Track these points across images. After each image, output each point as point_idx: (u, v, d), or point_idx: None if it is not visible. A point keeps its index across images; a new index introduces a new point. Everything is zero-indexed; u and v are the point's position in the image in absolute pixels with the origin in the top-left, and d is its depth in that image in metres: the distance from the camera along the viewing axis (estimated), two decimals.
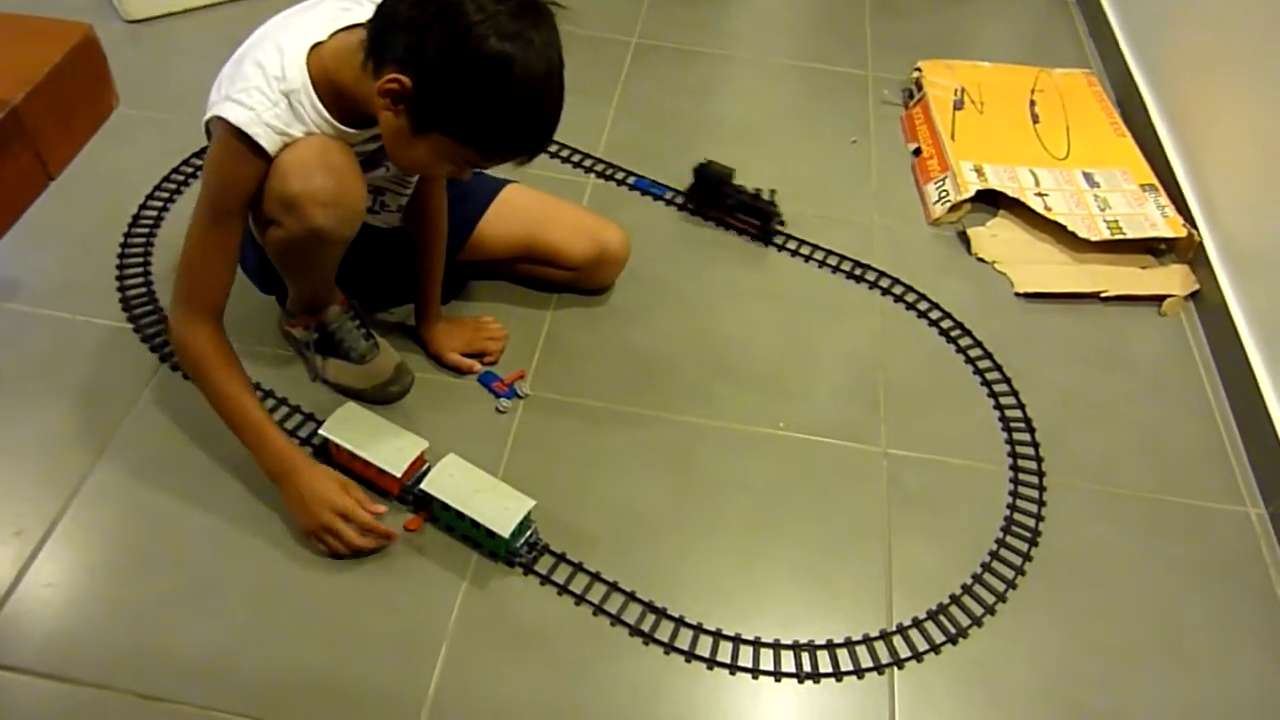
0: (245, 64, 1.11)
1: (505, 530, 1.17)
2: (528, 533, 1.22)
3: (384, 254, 1.39)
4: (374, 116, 1.09)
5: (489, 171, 1.38)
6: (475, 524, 1.19)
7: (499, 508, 1.19)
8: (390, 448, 1.24)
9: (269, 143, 1.09)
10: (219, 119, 1.09)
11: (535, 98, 1.04)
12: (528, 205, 1.52)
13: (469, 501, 1.19)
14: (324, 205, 1.12)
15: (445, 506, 1.20)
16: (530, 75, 1.01)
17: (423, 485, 1.21)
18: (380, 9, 1.05)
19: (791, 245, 1.69)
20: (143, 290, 1.48)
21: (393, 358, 1.39)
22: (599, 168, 1.80)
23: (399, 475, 1.22)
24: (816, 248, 1.69)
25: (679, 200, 1.75)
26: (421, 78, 1.02)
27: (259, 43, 1.13)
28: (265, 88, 1.09)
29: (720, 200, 1.70)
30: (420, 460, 1.25)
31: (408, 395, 1.39)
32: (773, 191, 1.69)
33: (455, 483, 1.21)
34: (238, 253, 1.18)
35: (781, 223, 1.70)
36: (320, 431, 1.26)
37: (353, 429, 1.25)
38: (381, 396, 1.37)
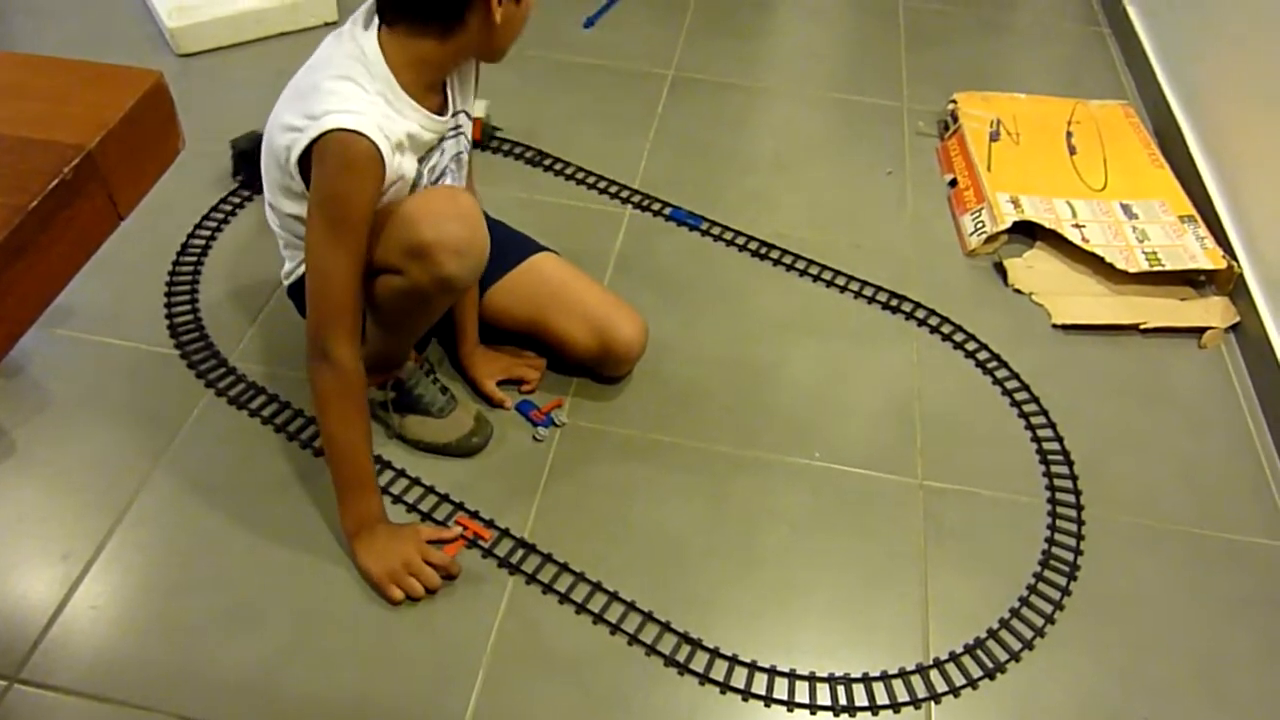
0: (323, 86, 1.07)
1: None
2: None
3: None
4: (435, 96, 1.12)
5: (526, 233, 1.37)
6: None
7: None
8: None
9: (385, 146, 1.06)
10: (331, 133, 1.03)
11: None
12: (546, 281, 1.41)
13: None
14: (457, 253, 1.10)
15: None
16: None
17: None
18: None
19: (826, 275, 1.70)
20: (190, 318, 1.51)
21: (470, 409, 1.38)
22: (635, 198, 1.82)
23: None
24: (852, 278, 1.69)
25: (713, 233, 1.77)
26: None
27: (311, 72, 1.10)
28: (361, 92, 1.06)
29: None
30: None
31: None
32: None
33: None
34: (364, 270, 1.12)
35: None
36: None
37: None
38: (465, 449, 1.36)
